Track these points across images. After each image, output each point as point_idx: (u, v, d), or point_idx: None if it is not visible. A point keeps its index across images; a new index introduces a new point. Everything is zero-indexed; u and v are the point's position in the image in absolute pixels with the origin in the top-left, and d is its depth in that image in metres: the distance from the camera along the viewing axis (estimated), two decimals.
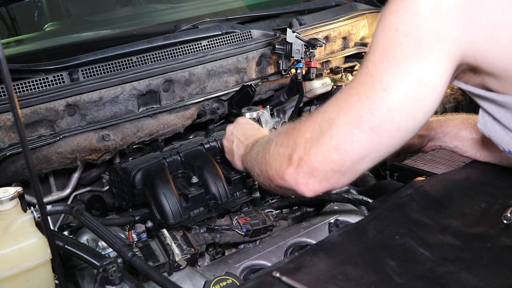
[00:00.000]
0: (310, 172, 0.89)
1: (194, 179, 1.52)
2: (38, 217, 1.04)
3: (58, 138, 1.46)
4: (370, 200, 1.35)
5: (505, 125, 0.87)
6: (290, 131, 0.95)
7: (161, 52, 1.65)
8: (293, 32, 1.75)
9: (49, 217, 1.54)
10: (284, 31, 1.77)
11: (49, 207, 1.20)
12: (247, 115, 1.57)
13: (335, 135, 0.85)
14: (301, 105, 1.97)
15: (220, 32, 1.82)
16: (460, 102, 2.08)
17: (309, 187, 0.91)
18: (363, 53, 2.13)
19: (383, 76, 0.80)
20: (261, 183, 1.09)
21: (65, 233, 1.52)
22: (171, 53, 1.67)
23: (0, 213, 1.03)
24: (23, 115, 1.40)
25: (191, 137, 1.87)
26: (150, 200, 1.47)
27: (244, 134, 1.28)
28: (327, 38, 2.00)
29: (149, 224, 1.49)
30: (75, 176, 1.67)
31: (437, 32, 0.78)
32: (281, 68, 1.80)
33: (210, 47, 1.74)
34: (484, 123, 0.92)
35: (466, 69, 0.85)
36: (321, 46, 1.79)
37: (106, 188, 1.76)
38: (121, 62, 1.58)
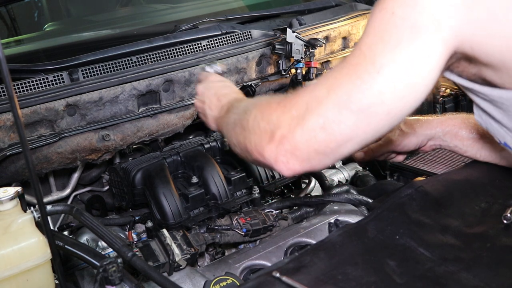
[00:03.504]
0: (292, 151, 0.86)
1: (194, 179, 1.52)
2: (38, 217, 1.04)
3: (58, 138, 1.46)
4: (370, 200, 1.35)
5: (498, 120, 0.87)
6: (273, 106, 0.92)
7: (161, 52, 1.65)
8: (293, 32, 1.75)
9: (49, 217, 1.54)
10: (284, 31, 1.77)
11: (49, 207, 1.20)
12: (208, 69, 1.44)
13: (323, 114, 0.83)
14: None
15: (220, 32, 1.82)
16: (460, 102, 2.08)
17: (289, 167, 0.88)
18: None
19: (377, 58, 0.80)
20: (237, 153, 1.05)
21: (65, 233, 1.52)
22: (171, 53, 1.67)
23: (0, 213, 1.03)
24: (23, 115, 1.40)
25: (191, 137, 1.87)
26: (150, 200, 1.47)
27: (216, 93, 1.22)
28: (327, 38, 2.00)
29: (149, 224, 1.49)
30: (75, 176, 1.67)
31: (434, 18, 0.77)
32: (281, 68, 1.80)
33: (210, 47, 1.74)
34: (480, 116, 0.92)
35: (461, 58, 0.85)
36: (321, 46, 1.79)
37: (106, 188, 1.76)
38: (121, 62, 1.58)
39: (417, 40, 0.78)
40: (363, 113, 0.81)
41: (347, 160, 1.89)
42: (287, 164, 0.88)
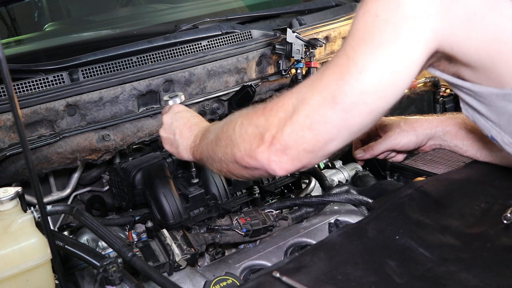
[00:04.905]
0: (283, 150, 0.88)
1: (194, 179, 1.52)
2: (38, 217, 1.04)
3: (58, 138, 1.46)
4: (370, 200, 1.35)
5: (483, 114, 0.89)
6: (259, 111, 0.94)
7: (161, 52, 1.65)
8: (293, 32, 1.75)
9: (49, 217, 1.54)
10: (284, 31, 1.77)
11: (49, 207, 1.20)
12: (170, 102, 1.35)
13: (310, 115, 0.85)
14: None
15: (220, 32, 1.81)
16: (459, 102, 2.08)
17: (281, 166, 0.90)
18: None
19: (359, 59, 0.82)
20: (220, 170, 1.05)
21: (65, 233, 1.52)
22: (171, 53, 1.67)
23: (0, 213, 1.03)
24: (23, 115, 1.40)
25: None
26: (150, 200, 1.47)
27: (186, 123, 1.21)
28: (327, 38, 2.00)
29: (149, 224, 1.49)
30: (75, 176, 1.67)
31: (416, 20, 0.79)
32: (281, 68, 1.80)
33: (210, 47, 1.74)
34: (466, 110, 0.94)
35: (442, 57, 0.87)
36: (321, 46, 1.79)
37: (106, 188, 1.76)
38: (121, 62, 1.58)
39: (399, 43, 0.80)
40: (346, 113, 0.83)
41: (347, 160, 1.89)
42: (279, 163, 0.90)
